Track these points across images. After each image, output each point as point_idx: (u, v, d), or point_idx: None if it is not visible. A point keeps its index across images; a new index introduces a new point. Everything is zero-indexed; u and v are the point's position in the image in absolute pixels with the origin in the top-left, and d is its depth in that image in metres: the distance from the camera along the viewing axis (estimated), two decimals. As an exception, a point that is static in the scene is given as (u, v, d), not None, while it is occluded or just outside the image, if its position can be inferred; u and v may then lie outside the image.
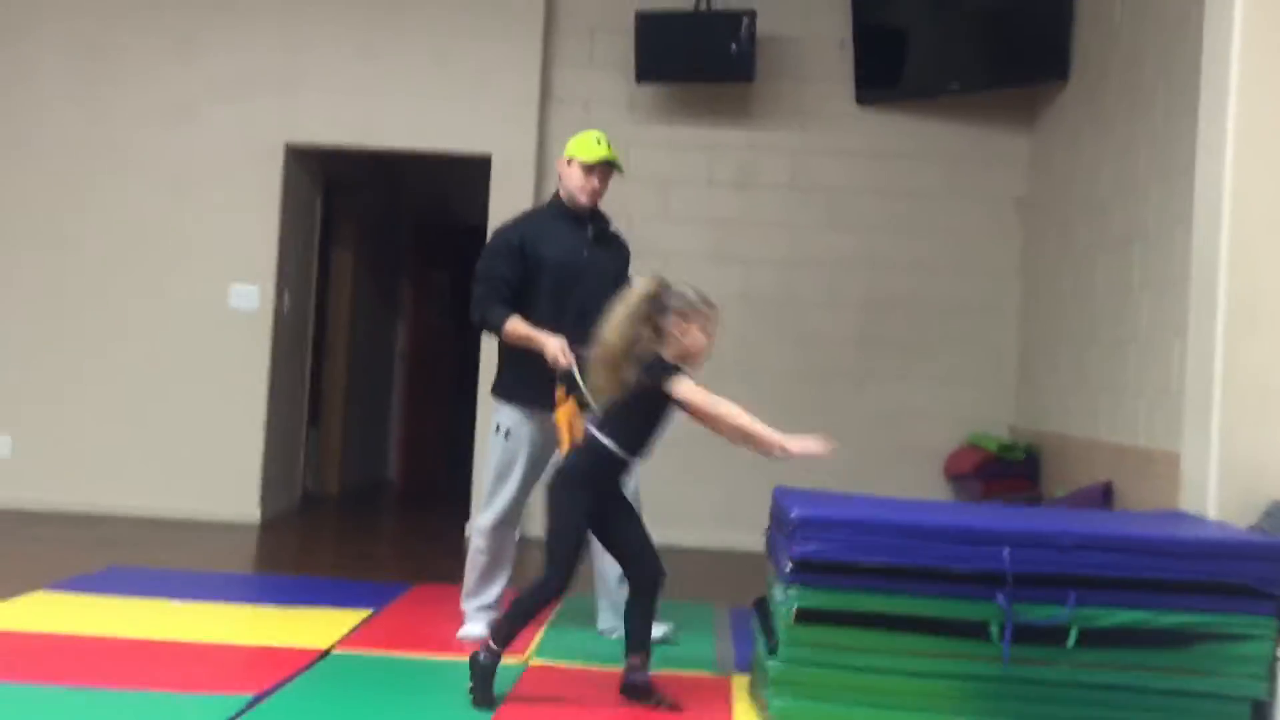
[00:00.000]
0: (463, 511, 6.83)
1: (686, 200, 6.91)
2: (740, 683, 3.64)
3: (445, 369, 9.45)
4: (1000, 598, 3.08)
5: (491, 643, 3.30)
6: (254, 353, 6.80)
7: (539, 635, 4.08)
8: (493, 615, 3.99)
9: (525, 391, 3.87)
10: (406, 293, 9.45)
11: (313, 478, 8.12)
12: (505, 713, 3.28)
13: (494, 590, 4.07)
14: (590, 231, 4.00)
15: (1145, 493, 4.61)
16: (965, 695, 3.15)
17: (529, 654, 3.86)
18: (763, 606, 3.62)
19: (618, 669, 3.73)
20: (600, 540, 3.50)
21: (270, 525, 6.70)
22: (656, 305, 3.25)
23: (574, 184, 3.95)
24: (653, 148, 6.91)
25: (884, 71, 6.71)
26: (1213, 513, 3.58)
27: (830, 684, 3.17)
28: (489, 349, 6.78)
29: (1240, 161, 3.63)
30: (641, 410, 3.28)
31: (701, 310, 3.30)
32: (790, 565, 3.18)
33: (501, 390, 3.98)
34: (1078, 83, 6.00)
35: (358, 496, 8.38)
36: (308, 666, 3.60)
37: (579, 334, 3.62)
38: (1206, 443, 3.65)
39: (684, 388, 3.20)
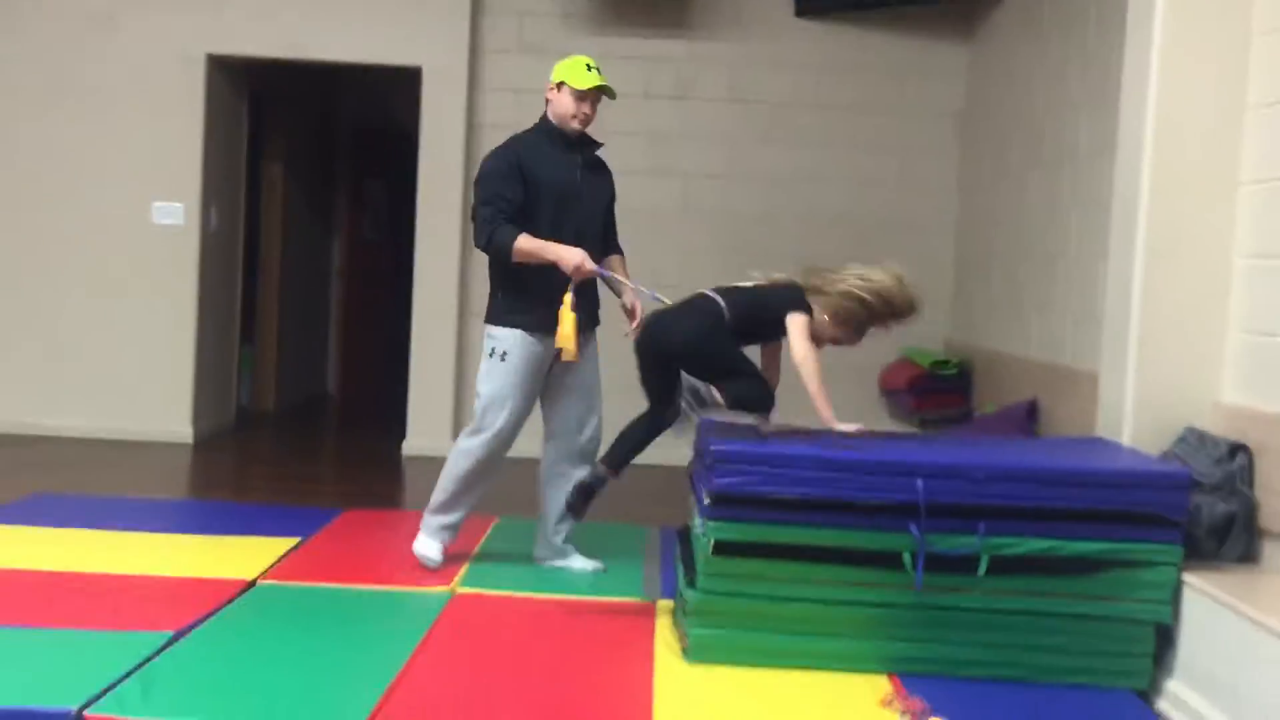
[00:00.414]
0: (398, 430, 6.81)
1: (623, 113, 6.74)
2: (665, 608, 3.68)
3: (383, 282, 9.31)
4: (913, 528, 3.13)
5: (697, 400, 3.39)
6: (181, 270, 6.66)
7: (466, 565, 4.10)
8: (451, 537, 4.00)
9: (523, 316, 3.83)
10: (342, 205, 9.27)
11: (248, 394, 8.04)
12: (431, 640, 3.30)
13: (461, 511, 4.02)
14: (581, 157, 3.95)
15: (1069, 412, 4.68)
16: (880, 622, 3.21)
17: (455, 582, 3.88)
18: (685, 536, 3.65)
19: (545, 596, 3.79)
20: (658, 381, 3.55)
21: (203, 445, 6.64)
22: (867, 305, 3.42)
23: (565, 109, 3.88)
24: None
25: (825, -20, 6.60)
26: (1127, 438, 3.63)
27: (748, 613, 3.22)
28: (427, 263, 6.73)
29: (1164, 91, 3.61)
30: (763, 307, 3.48)
31: (854, 338, 3.50)
32: (709, 499, 3.20)
33: (497, 315, 3.90)
34: (1014, -3, 5.93)
35: (295, 413, 8.31)
36: (231, 600, 3.60)
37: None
38: (1123, 368, 3.69)
39: (798, 323, 3.39)
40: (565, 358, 3.72)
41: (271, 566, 3.97)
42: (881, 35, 6.74)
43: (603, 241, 3.98)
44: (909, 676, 3.14)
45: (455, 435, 6.70)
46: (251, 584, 3.78)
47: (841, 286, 3.42)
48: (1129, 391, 3.67)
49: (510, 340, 3.85)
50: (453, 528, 4.03)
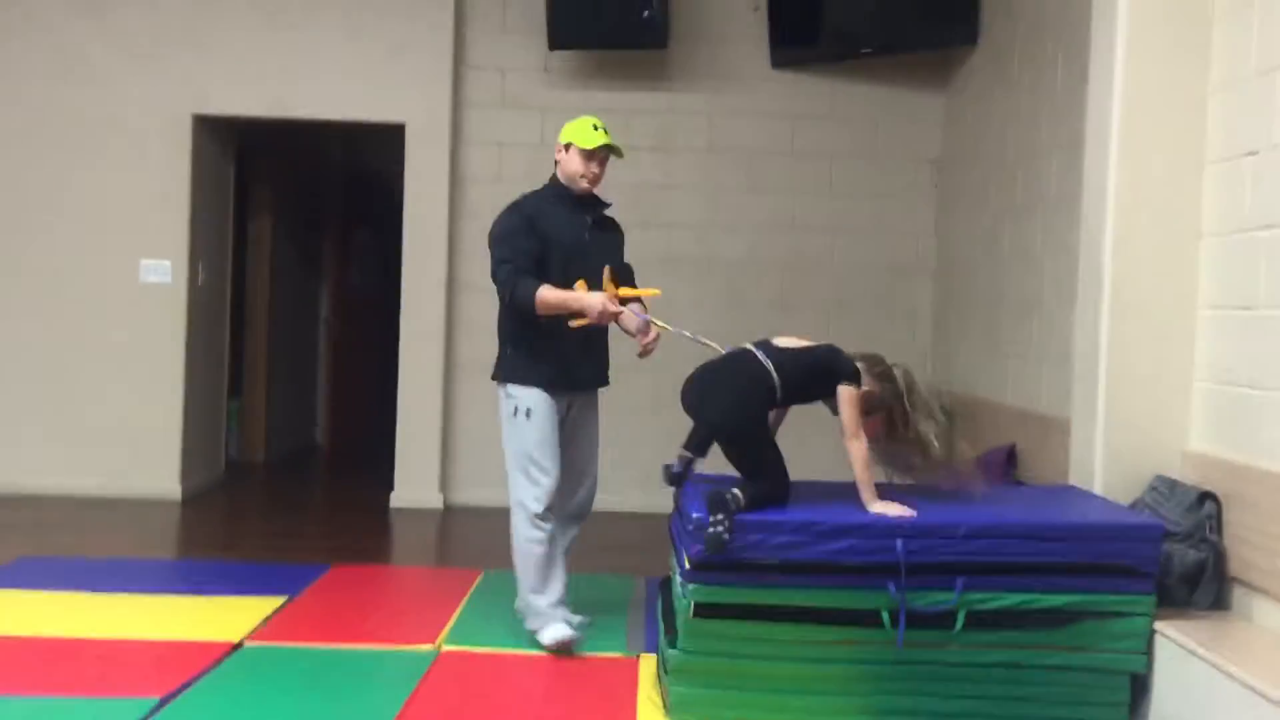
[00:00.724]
0: (386, 480, 6.84)
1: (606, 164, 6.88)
2: (648, 661, 3.72)
3: (372, 327, 9.37)
4: (892, 587, 3.18)
5: (725, 513, 3.20)
6: (169, 328, 6.71)
7: (451, 621, 4.13)
8: (565, 610, 3.92)
9: (540, 372, 3.87)
10: (329, 254, 9.34)
11: (236, 447, 8.07)
12: (417, 700, 3.34)
13: (560, 578, 3.92)
14: (590, 215, 4.00)
15: (1044, 456, 4.74)
16: (860, 679, 3.26)
17: (440, 640, 3.92)
18: (666, 587, 3.69)
19: (530, 653, 3.82)
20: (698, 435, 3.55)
21: (191, 501, 6.66)
22: (895, 395, 3.47)
23: (573, 169, 3.95)
24: (569, 113, 6.66)
25: (798, 34, 6.70)
26: (1099, 487, 3.70)
27: (728, 672, 3.27)
28: (413, 315, 6.79)
29: (1125, 145, 3.71)
30: (813, 376, 3.44)
31: (897, 431, 3.46)
32: (689, 564, 3.24)
33: (513, 374, 3.92)
34: (986, 47, 6.05)
35: (284, 464, 8.34)
36: (217, 663, 3.63)
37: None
38: (1093, 416, 3.76)
39: (849, 394, 3.37)
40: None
41: (258, 627, 4.00)
42: (857, 85, 6.86)
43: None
44: (890, 730, 3.19)
45: (442, 488, 6.81)
46: (238, 646, 3.82)
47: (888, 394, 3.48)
48: (1099, 440, 3.74)
49: (532, 397, 3.86)
50: (563, 599, 3.94)
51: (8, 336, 6.65)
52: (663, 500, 3.99)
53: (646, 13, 6.41)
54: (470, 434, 6.87)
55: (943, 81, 6.77)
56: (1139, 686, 3.26)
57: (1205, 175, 3.69)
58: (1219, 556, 3.37)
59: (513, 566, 3.97)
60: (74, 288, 6.65)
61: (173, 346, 6.72)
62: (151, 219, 6.69)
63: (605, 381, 4.09)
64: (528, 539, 3.86)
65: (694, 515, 3.21)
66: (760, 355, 3.44)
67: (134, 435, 6.65)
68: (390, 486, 6.83)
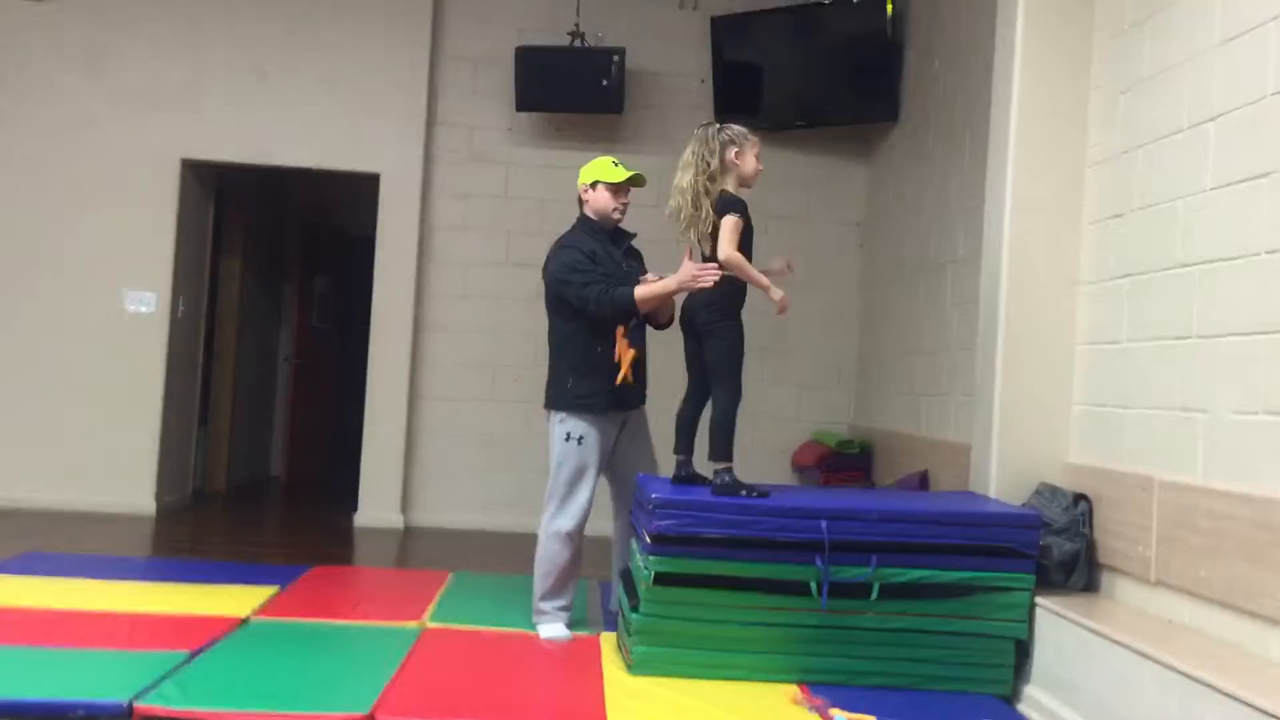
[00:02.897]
0: (351, 504, 7.33)
1: (561, 217, 7.42)
2: (609, 639, 4.28)
3: (328, 370, 9.88)
4: (818, 561, 3.80)
5: (722, 464, 3.90)
6: (150, 356, 7.19)
7: (432, 605, 4.67)
8: (569, 616, 4.32)
9: (592, 400, 4.22)
10: (291, 297, 9.85)
11: (201, 474, 8.49)
12: (410, 664, 3.85)
13: (572, 590, 4.33)
14: (620, 246, 4.42)
15: (953, 476, 5.41)
16: (792, 639, 3.86)
17: (425, 619, 4.45)
18: (627, 574, 4.28)
19: (505, 630, 4.36)
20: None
21: (166, 517, 7.09)
22: (718, 140, 3.96)
23: (604, 205, 4.31)
24: (531, 169, 7.54)
25: (739, 106, 7.43)
26: (993, 492, 4.37)
27: (682, 634, 3.85)
28: (381, 349, 7.33)
29: (1016, 209, 4.44)
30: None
31: (751, 139, 4.01)
32: (650, 538, 3.84)
33: (567, 403, 4.24)
34: (905, 123, 6.85)
35: (245, 492, 8.77)
36: (231, 631, 4.12)
37: (636, 334, 4.27)
38: (989, 435, 4.45)
39: (728, 223, 3.91)
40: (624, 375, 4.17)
41: (260, 607, 4.50)
42: (792, 153, 7.61)
43: (643, 321, 4.38)
44: (816, 686, 3.78)
45: (403, 509, 7.32)
46: (245, 620, 4.31)
47: (715, 159, 3.96)
48: (994, 454, 4.42)
49: (583, 426, 4.23)
50: (569, 606, 4.34)
51: (3, 363, 7.09)
52: (605, 525, 4.57)
53: (605, 82, 7.13)
54: (430, 460, 7.42)
55: (867, 152, 7.56)
56: (1022, 650, 3.91)
57: (1083, 234, 4.43)
58: (1090, 546, 4.04)
59: (485, 568, 4.44)
60: (65, 315, 7.12)
61: (152, 373, 7.19)
62: (138, 252, 7.20)
63: (643, 399, 4.44)
64: (554, 551, 4.25)
65: (653, 495, 3.82)
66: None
67: (113, 453, 7.09)
68: (350, 512, 7.32)
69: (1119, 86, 4.21)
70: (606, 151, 7.68)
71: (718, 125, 4.09)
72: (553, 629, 4.31)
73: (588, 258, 4.24)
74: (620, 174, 4.35)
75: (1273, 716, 2.64)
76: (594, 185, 4.35)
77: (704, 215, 3.98)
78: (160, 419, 7.19)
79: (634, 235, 4.53)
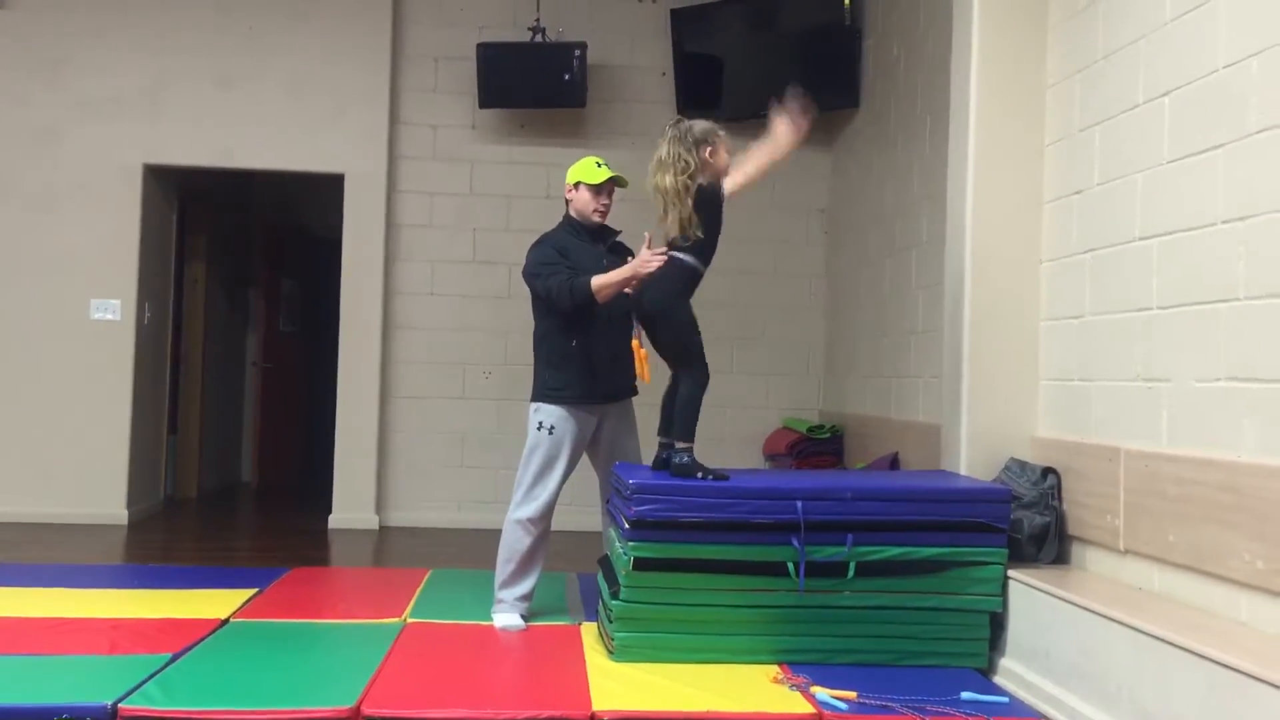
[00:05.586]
0: (324, 507, 7.32)
1: (527, 213, 7.54)
2: (589, 628, 4.32)
3: (297, 373, 9.84)
4: (795, 541, 3.85)
5: (682, 444, 3.99)
6: (117, 363, 7.14)
7: (412, 601, 4.68)
8: (527, 606, 4.38)
9: (565, 393, 4.30)
10: (257, 302, 9.80)
11: (172, 482, 8.44)
12: (393, 658, 3.87)
13: (532, 580, 4.39)
14: (603, 244, 4.49)
15: (923, 456, 5.48)
16: (771, 620, 3.91)
17: (405, 615, 4.46)
18: (605, 562, 4.31)
19: (485, 624, 4.38)
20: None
21: (138, 525, 7.05)
22: (691, 139, 4.05)
23: (586, 205, 4.40)
24: (495, 165, 7.56)
25: (701, 97, 7.49)
26: (964, 469, 4.44)
27: (663, 618, 3.88)
28: (351, 349, 7.31)
29: (979, 191, 4.51)
30: (708, 230, 4.06)
31: (720, 134, 4.12)
32: (628, 524, 3.88)
33: (542, 393, 4.34)
34: (866, 110, 6.91)
35: (216, 498, 8.73)
36: (212, 633, 4.12)
37: (610, 332, 4.32)
38: (958, 414, 4.52)
39: (728, 186, 4.08)
40: (643, 377, 4.25)
41: (240, 608, 4.50)
42: (754, 142, 7.62)
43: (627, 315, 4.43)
44: (796, 665, 3.82)
45: (378, 509, 7.32)
46: (225, 621, 4.31)
47: (691, 157, 4.03)
48: (963, 432, 4.49)
49: (555, 415, 4.31)
50: (528, 596, 4.40)
51: (-37, 370, 7.02)
52: (584, 519, 4.58)
53: (567, 76, 7.15)
54: (403, 459, 7.42)
55: (829, 140, 7.62)
56: (996, 623, 3.97)
57: (1043, 212, 4.50)
58: (1060, 519, 4.11)
59: (462, 565, 4.46)
60: (29, 324, 7.07)
61: (120, 380, 7.15)
62: (102, 260, 7.15)
63: (634, 391, 4.54)
64: (515, 538, 4.33)
65: (631, 481, 3.85)
66: (676, 254, 4.08)
67: (83, 462, 7.04)
68: (324, 515, 7.31)
69: (1075, 66, 4.28)
70: (569, 147, 7.79)
71: (688, 123, 4.15)
72: (507, 618, 4.35)
73: (557, 252, 4.35)
74: (601, 175, 4.44)
75: (1244, 674, 2.72)
76: (577, 185, 4.45)
77: (687, 213, 4.03)
78: (129, 427, 7.15)
79: (618, 232, 4.60)
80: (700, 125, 4.15)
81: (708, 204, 4.06)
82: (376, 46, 7.38)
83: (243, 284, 9.76)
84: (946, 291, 4.74)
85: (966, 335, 4.51)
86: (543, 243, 4.44)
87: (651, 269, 4.07)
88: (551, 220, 7.49)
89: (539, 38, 7.25)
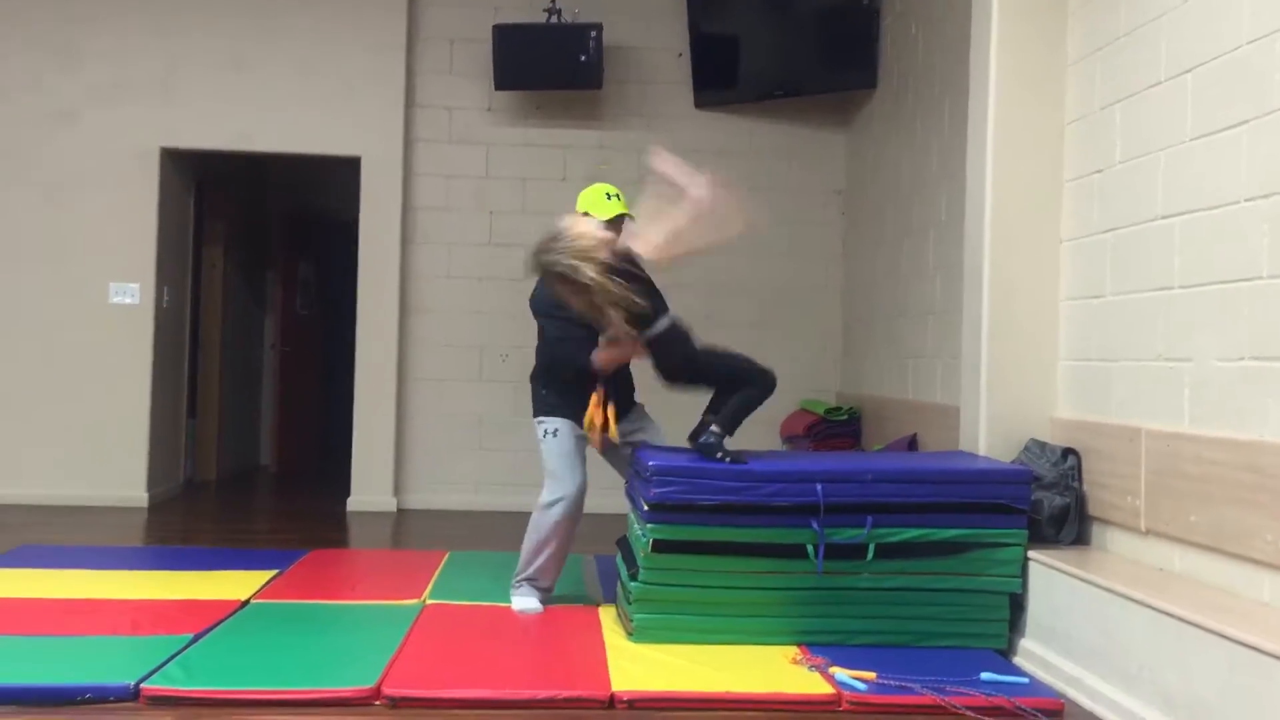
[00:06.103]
0: (343, 490, 7.35)
1: (543, 195, 7.54)
2: (608, 610, 4.33)
3: (315, 356, 9.87)
4: (814, 523, 3.84)
5: (718, 429, 4.02)
6: (136, 347, 7.17)
7: (431, 582, 4.70)
8: (547, 596, 4.41)
9: (563, 410, 4.35)
10: (275, 286, 9.83)
11: (191, 465, 8.48)
12: (413, 638, 3.88)
13: (554, 573, 4.41)
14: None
15: (942, 440, 5.46)
16: (790, 602, 3.91)
17: (424, 596, 4.48)
18: (624, 544, 4.32)
19: (503, 605, 4.39)
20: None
21: (158, 508, 7.10)
22: (570, 252, 3.96)
23: None
24: (511, 148, 7.54)
25: (717, 78, 7.46)
26: (983, 450, 4.42)
27: (681, 600, 3.89)
28: (369, 333, 7.33)
29: (998, 170, 4.47)
30: (646, 292, 4.09)
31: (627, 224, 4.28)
32: (647, 506, 3.87)
33: (544, 408, 4.42)
34: (884, 90, 6.87)
35: (236, 481, 8.77)
36: (232, 614, 4.14)
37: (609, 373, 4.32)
38: (978, 394, 4.49)
39: (644, 249, 4.11)
40: (594, 443, 4.34)
41: (260, 589, 4.53)
42: (771, 123, 7.64)
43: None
44: (815, 647, 3.82)
45: (396, 491, 7.35)
46: (246, 603, 4.33)
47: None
48: (983, 413, 4.47)
49: (557, 423, 4.37)
50: (548, 589, 4.43)
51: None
52: (600, 501, 4.58)
53: (583, 57, 7.12)
54: (421, 442, 7.44)
55: (846, 120, 7.58)
56: (1016, 604, 3.96)
57: (1064, 191, 4.47)
58: (1080, 500, 4.09)
59: (480, 548, 4.47)
60: (50, 308, 7.10)
61: (140, 364, 7.17)
62: (121, 244, 7.17)
63: (632, 403, 4.55)
64: (544, 529, 4.34)
65: (650, 464, 3.85)
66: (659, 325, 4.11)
67: (104, 445, 7.08)
68: (342, 498, 7.33)
69: (1096, 44, 4.24)
70: (585, 128, 7.77)
71: (545, 247, 4.01)
72: (525, 601, 4.37)
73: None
74: (609, 210, 4.47)
75: (1267, 654, 2.70)
76: (585, 215, 4.43)
77: (621, 294, 3.96)
78: (149, 410, 7.18)
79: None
80: (558, 244, 4.00)
81: (625, 271, 3.99)
82: (392, 28, 7.36)
83: (260, 267, 9.78)
84: (965, 271, 4.71)
85: (986, 315, 4.48)
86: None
87: (627, 358, 4.26)
88: (567, 203, 7.59)
89: (555, 19, 7.22)
